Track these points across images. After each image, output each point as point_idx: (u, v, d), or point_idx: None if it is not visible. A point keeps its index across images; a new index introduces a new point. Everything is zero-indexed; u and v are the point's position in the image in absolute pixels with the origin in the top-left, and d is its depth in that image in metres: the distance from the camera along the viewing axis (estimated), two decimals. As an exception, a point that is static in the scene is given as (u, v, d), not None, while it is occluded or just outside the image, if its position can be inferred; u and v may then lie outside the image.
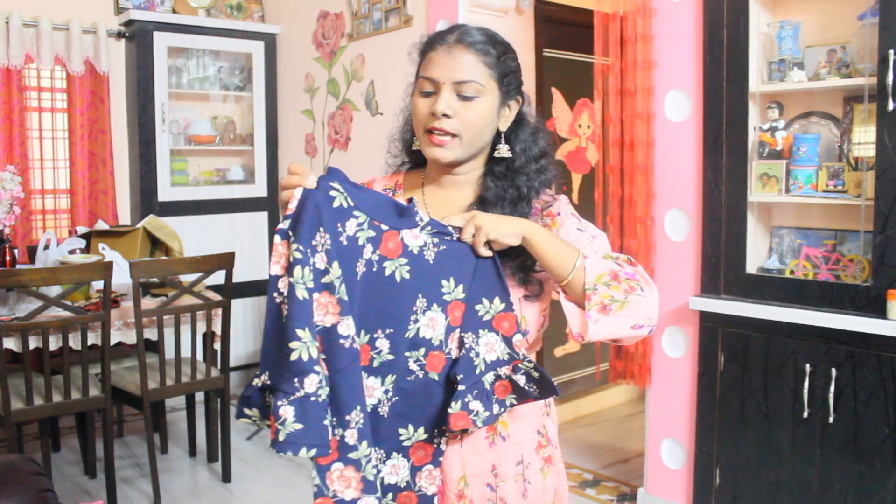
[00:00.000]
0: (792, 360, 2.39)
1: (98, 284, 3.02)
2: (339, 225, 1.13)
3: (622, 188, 2.89)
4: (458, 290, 1.19)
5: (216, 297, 3.19)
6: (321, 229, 1.10)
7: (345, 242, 1.13)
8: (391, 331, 1.16)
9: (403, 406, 1.19)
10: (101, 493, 3.05)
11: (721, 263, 2.59)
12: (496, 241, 1.17)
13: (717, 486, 2.63)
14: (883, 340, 2.19)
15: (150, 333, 3.04)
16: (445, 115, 1.21)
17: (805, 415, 2.35)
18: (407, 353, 1.18)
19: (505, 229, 1.17)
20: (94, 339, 2.87)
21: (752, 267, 2.56)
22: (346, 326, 1.10)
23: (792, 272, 2.51)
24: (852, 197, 2.34)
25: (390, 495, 1.21)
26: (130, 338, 3.02)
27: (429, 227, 1.19)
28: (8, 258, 3.23)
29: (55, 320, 2.72)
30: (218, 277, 3.20)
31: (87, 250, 3.45)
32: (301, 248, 1.08)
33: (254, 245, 4.65)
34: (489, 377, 1.18)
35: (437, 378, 1.19)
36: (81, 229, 3.69)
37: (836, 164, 2.40)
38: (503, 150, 1.28)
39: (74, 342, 2.84)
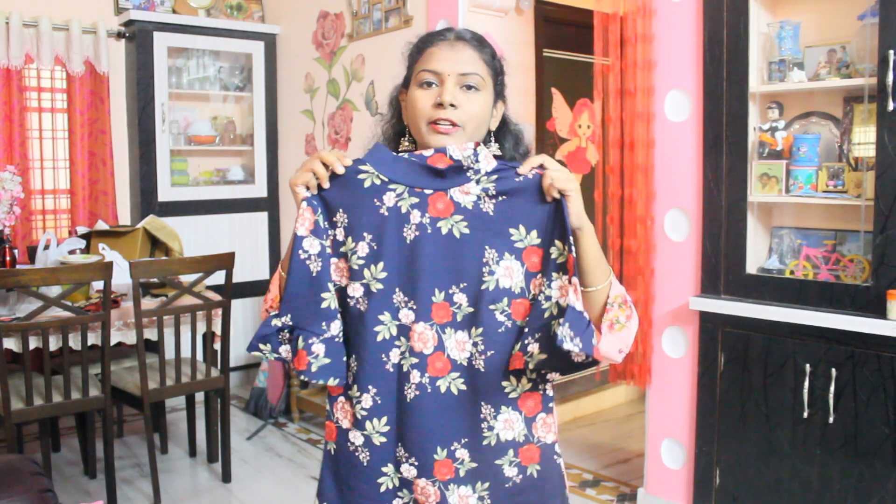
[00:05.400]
0: (792, 360, 2.39)
1: (98, 284, 3.02)
2: (375, 200, 1.22)
3: (622, 188, 2.89)
4: (532, 235, 1.20)
5: (216, 297, 3.19)
6: (340, 210, 1.23)
7: (386, 214, 1.22)
8: (465, 284, 1.21)
9: (501, 358, 1.20)
10: (101, 493, 3.05)
11: (721, 263, 2.59)
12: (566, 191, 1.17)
13: (717, 487, 2.63)
14: (883, 340, 2.19)
15: (150, 334, 3.04)
16: (452, 106, 1.22)
17: (805, 415, 2.35)
18: (492, 307, 1.20)
19: (579, 205, 1.17)
20: (94, 339, 2.87)
21: (752, 267, 2.56)
22: (353, 289, 1.23)
23: (792, 272, 2.51)
24: (852, 197, 2.34)
25: (511, 451, 1.23)
26: (130, 338, 3.02)
27: (495, 175, 1.21)
28: (8, 258, 3.22)
29: (55, 320, 2.72)
30: (218, 277, 3.20)
31: (87, 250, 3.45)
32: (325, 220, 1.24)
33: (254, 245, 4.65)
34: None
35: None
36: (81, 229, 3.68)
37: (836, 165, 2.40)
38: (494, 149, 1.30)
39: (74, 342, 2.84)
